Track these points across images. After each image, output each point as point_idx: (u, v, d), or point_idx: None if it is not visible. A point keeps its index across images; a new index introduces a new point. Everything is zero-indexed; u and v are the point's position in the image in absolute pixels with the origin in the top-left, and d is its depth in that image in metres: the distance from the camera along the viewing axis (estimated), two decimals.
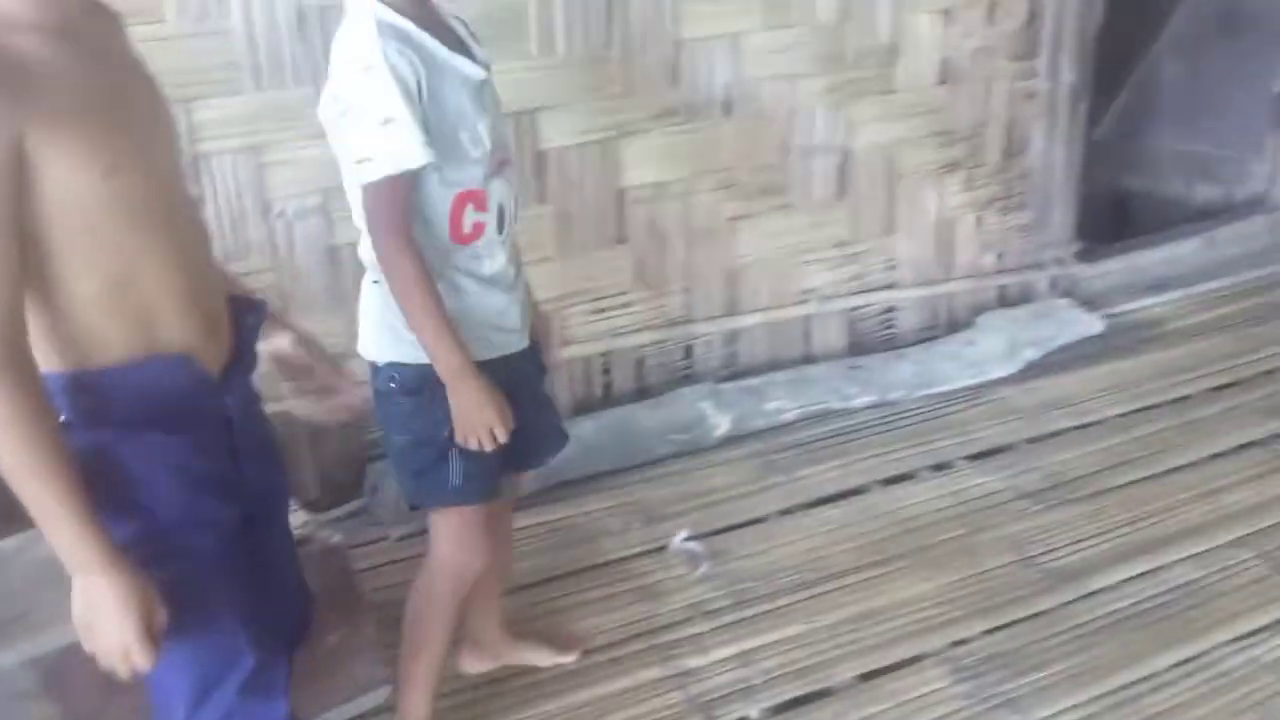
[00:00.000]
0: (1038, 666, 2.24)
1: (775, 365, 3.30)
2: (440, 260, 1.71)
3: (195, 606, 1.33)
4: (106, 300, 1.26)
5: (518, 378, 1.84)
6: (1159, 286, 3.89)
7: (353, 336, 2.67)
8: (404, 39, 1.61)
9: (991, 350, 3.40)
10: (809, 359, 3.37)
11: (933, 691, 2.19)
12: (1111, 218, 4.61)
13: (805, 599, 2.46)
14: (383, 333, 1.80)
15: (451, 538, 1.89)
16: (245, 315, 1.48)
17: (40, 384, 1.20)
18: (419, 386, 1.76)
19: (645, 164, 2.96)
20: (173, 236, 1.32)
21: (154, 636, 1.26)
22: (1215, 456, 2.93)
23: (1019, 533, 2.66)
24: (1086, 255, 3.82)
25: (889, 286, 3.46)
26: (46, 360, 1.26)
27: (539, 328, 1.97)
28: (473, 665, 2.25)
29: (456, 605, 1.95)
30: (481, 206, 1.73)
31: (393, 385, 1.80)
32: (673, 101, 2.95)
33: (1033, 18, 3.39)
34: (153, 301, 1.30)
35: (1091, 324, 3.58)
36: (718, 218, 3.12)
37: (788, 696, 2.20)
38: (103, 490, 1.26)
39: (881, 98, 3.25)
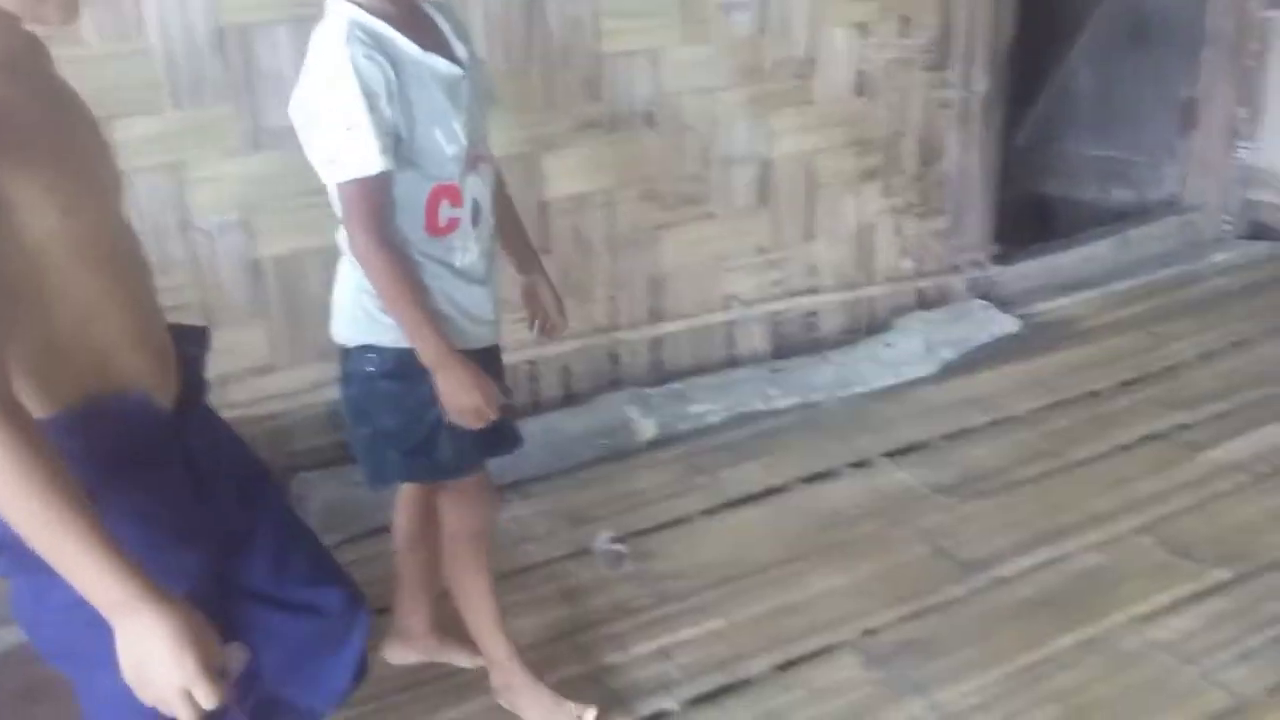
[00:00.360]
0: (946, 651, 2.32)
1: (700, 369, 3.38)
2: (414, 250, 1.77)
3: None
4: (65, 344, 1.23)
5: (487, 372, 1.89)
6: (1074, 287, 4.02)
7: (274, 348, 2.76)
8: (374, 42, 1.66)
9: (910, 351, 3.50)
10: (733, 363, 3.45)
11: (845, 678, 2.27)
12: (1033, 221, 4.75)
13: (725, 595, 2.53)
14: (357, 316, 1.85)
15: (454, 507, 2.03)
16: (188, 345, 1.45)
17: (35, 426, 1.12)
18: (401, 369, 1.82)
19: (568, 175, 3.03)
20: (123, 273, 1.31)
21: (215, 670, 1.17)
22: (1122, 448, 3.04)
23: (933, 525, 2.75)
24: (1003, 258, 3.95)
25: (810, 291, 3.55)
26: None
27: (542, 279, 2.13)
28: (397, 656, 2.31)
29: (484, 558, 2.10)
30: (456, 201, 1.80)
31: (371, 370, 1.85)
32: (594, 114, 3.03)
33: (945, 30, 3.51)
34: (109, 342, 1.27)
35: (1007, 324, 3.70)
36: (641, 227, 3.20)
37: (706, 688, 2.26)
38: None
39: (800, 109, 3.35)
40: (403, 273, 1.73)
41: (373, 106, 1.64)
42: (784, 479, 2.99)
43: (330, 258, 1.91)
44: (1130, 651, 2.29)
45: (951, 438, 3.15)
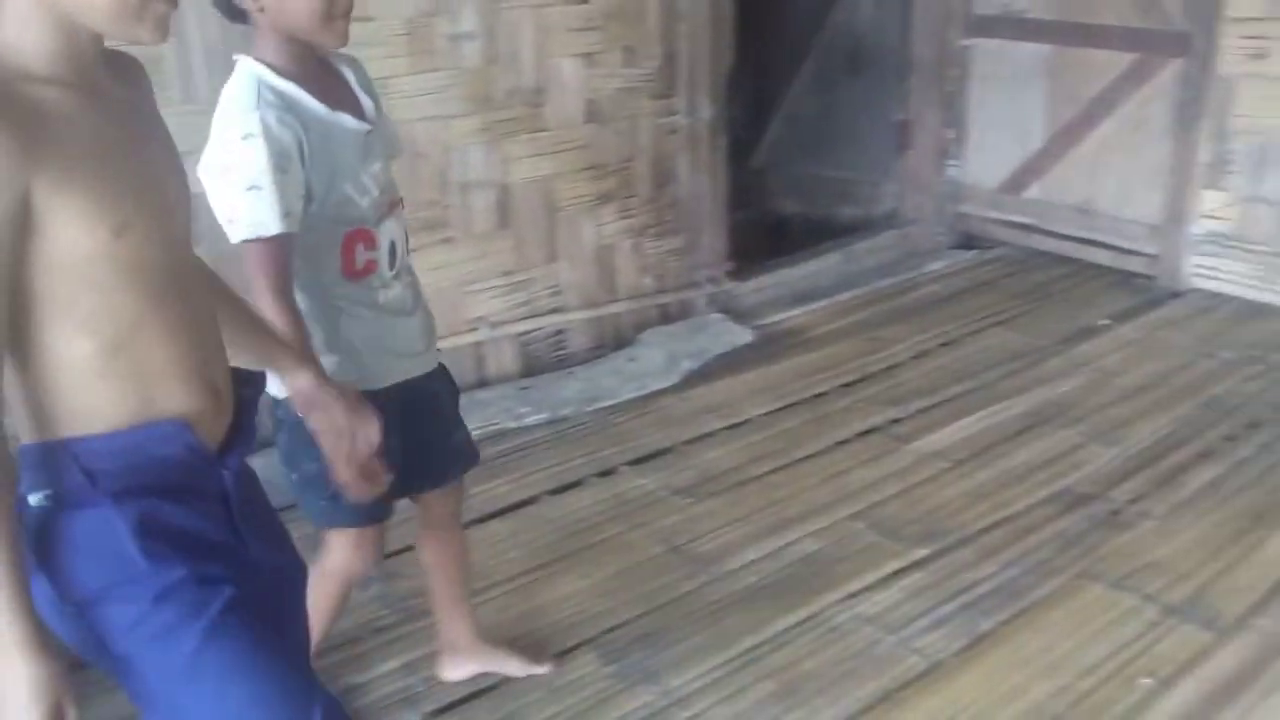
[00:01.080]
0: (677, 641, 2.47)
1: None
2: (337, 292, 1.81)
3: (245, 650, 1.29)
4: (101, 364, 1.21)
5: (422, 399, 1.94)
6: (804, 298, 4.33)
7: None
8: (285, 105, 1.68)
9: (652, 364, 3.69)
10: (483, 383, 3.54)
11: (583, 675, 2.38)
12: (772, 238, 5.07)
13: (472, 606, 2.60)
14: None
15: (349, 550, 2.03)
16: (243, 388, 1.43)
17: (6, 455, 1.14)
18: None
19: None
20: (179, 301, 1.28)
21: None
22: (841, 443, 3.31)
23: (670, 525, 2.91)
24: (740, 273, 4.21)
25: (556, 311, 3.69)
26: (42, 427, 1.22)
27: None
28: (451, 672, 2.35)
29: (342, 602, 2.12)
30: (372, 245, 1.82)
31: (297, 417, 1.81)
32: None
33: (668, 60, 3.73)
34: (151, 367, 1.25)
35: (742, 335, 3.94)
36: None
37: (450, 699, 2.33)
38: (108, 565, 1.23)
39: (533, 136, 3.48)
40: (299, 333, 1.74)
41: (282, 168, 1.66)
42: (532, 492, 3.09)
43: None
44: (839, 626, 2.50)
45: (690, 443, 3.34)
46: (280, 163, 1.66)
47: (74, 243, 1.16)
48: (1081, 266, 4.61)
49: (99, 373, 1.22)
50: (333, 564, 2.06)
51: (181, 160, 1.36)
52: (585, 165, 3.62)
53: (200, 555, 1.29)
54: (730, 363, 3.82)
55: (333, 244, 1.79)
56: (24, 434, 1.21)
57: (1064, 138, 4.60)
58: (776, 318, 4.16)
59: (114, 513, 1.24)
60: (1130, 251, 4.50)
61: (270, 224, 1.68)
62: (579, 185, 3.63)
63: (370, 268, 1.85)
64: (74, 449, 1.23)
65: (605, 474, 3.18)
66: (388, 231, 1.87)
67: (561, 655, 2.44)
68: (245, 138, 1.66)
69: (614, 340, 3.85)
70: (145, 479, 1.26)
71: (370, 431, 1.61)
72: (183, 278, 1.31)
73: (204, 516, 1.32)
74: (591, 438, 3.38)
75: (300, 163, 1.69)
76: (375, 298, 1.87)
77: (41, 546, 1.23)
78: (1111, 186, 4.51)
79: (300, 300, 1.79)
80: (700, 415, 3.49)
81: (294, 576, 1.51)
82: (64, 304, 1.18)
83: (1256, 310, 4.13)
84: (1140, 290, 4.38)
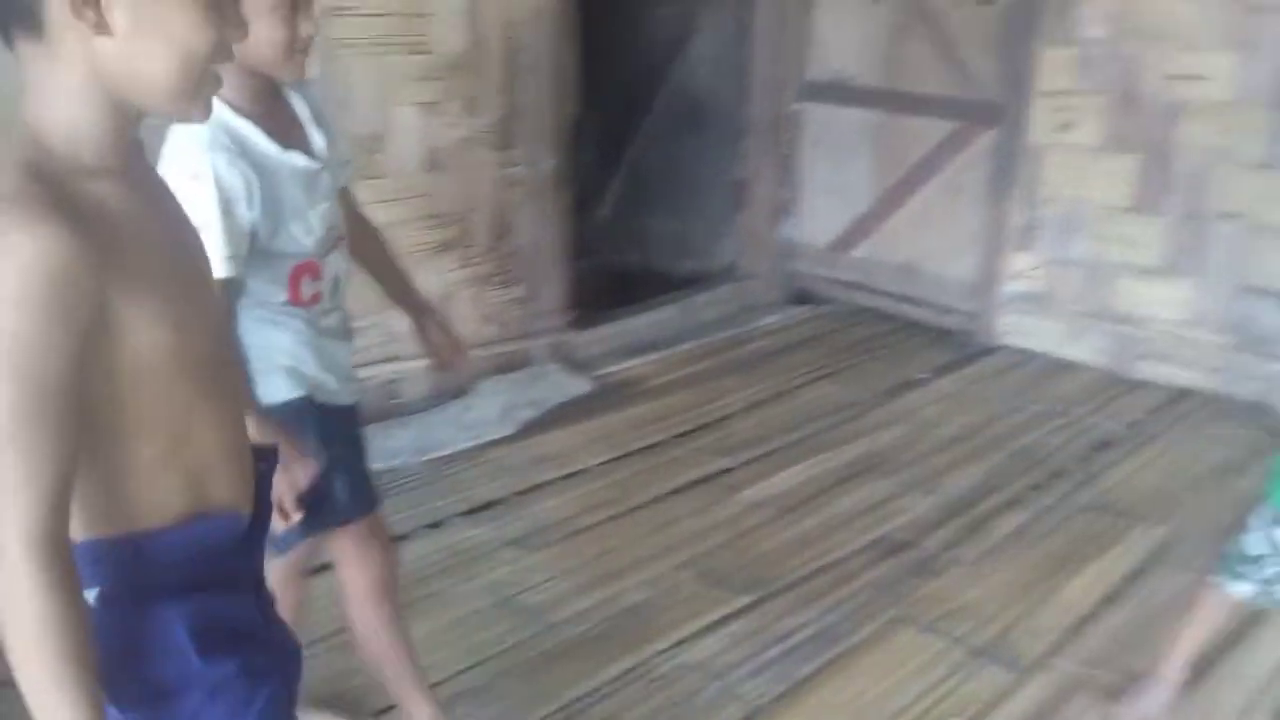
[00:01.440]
0: (502, 696, 2.46)
1: None
2: (281, 313, 1.84)
3: None
4: (164, 460, 1.18)
5: (344, 432, 1.98)
6: (643, 349, 4.41)
7: None
8: (237, 146, 1.70)
9: (488, 413, 3.69)
10: None
11: None
12: (616, 288, 5.14)
13: None
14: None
15: (354, 556, 2.06)
16: (259, 461, 1.38)
17: (77, 578, 1.07)
18: (284, 419, 1.80)
19: None
20: (220, 387, 1.25)
21: None
22: (673, 492, 3.37)
23: (500, 577, 2.91)
24: (580, 323, 4.26)
25: (391, 359, 3.65)
26: (98, 524, 1.17)
27: (428, 320, 2.16)
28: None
29: (394, 610, 2.16)
30: (317, 277, 1.85)
31: None
32: None
33: (510, 111, 3.77)
34: (205, 457, 1.23)
35: (581, 385, 3.99)
36: None
37: None
38: (166, 664, 1.21)
39: (371, 182, 3.46)
40: (241, 369, 1.74)
41: (228, 212, 1.68)
42: None
43: None
44: (664, 675, 2.54)
45: (524, 493, 3.35)
46: (225, 207, 1.70)
47: (139, 345, 1.12)
48: (904, 323, 4.83)
49: (157, 468, 1.19)
50: (353, 582, 2.09)
51: (195, 225, 1.31)
52: (425, 214, 3.62)
53: (247, 646, 1.29)
54: (568, 412, 3.85)
55: (279, 275, 1.82)
56: (76, 531, 1.16)
57: (889, 200, 4.84)
58: (615, 368, 4.22)
59: (173, 611, 1.22)
60: (948, 309, 4.74)
61: (217, 267, 1.70)
62: (418, 234, 3.62)
63: (315, 299, 1.89)
64: (134, 545, 1.19)
65: (435, 525, 3.16)
66: (332, 264, 1.90)
67: (381, 714, 2.40)
68: (194, 177, 1.68)
69: (453, 389, 3.83)
70: (198, 571, 1.24)
71: (307, 464, 1.71)
72: (221, 361, 1.29)
73: (243, 604, 1.32)
74: (423, 488, 3.35)
75: (247, 206, 1.72)
76: (317, 321, 1.91)
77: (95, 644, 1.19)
78: (932, 248, 4.76)
79: (243, 320, 1.82)
80: (535, 465, 3.51)
81: (295, 650, 1.49)
82: (125, 404, 1.14)
83: (1062, 366, 4.41)
84: (957, 346, 4.62)
